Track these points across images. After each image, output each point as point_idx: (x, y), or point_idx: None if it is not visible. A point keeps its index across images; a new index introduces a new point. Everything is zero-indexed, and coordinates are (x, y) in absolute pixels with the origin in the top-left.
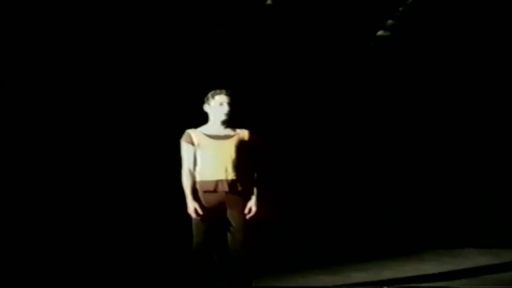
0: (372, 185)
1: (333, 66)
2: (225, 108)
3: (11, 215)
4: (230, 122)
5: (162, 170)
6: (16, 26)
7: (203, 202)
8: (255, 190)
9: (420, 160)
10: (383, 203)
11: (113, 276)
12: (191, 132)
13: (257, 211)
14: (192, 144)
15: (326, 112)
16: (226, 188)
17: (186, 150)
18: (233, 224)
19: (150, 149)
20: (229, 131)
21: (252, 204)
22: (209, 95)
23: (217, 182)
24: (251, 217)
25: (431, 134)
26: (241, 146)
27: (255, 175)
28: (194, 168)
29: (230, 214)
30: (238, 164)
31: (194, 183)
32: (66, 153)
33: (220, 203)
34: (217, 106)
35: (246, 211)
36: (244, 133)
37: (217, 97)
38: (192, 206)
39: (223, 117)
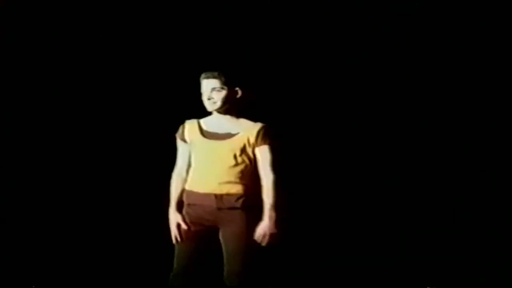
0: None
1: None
2: (206, 96)
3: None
4: (233, 113)
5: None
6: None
7: (187, 218)
8: (268, 207)
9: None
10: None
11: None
12: (186, 124)
13: (272, 236)
14: (185, 141)
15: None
16: (215, 204)
17: (179, 148)
18: (228, 249)
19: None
20: (232, 127)
21: (264, 227)
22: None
23: (204, 196)
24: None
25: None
26: (244, 149)
27: (269, 186)
28: (188, 172)
29: (223, 237)
30: (236, 174)
31: (183, 191)
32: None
33: (209, 222)
34: (203, 94)
35: (257, 236)
36: (252, 131)
37: (203, 82)
38: (173, 219)
39: (209, 109)
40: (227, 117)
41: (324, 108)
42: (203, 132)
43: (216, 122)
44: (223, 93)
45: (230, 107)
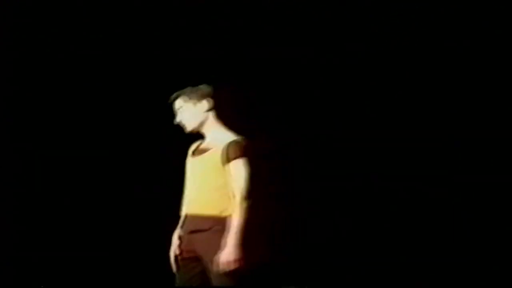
0: None
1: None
2: (178, 119)
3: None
4: (219, 127)
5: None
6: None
7: (182, 245)
8: (231, 230)
9: None
10: None
11: None
12: (192, 146)
13: (234, 263)
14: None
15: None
16: (189, 227)
17: None
18: (213, 280)
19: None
20: (212, 143)
21: (224, 254)
22: None
23: (184, 218)
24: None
25: None
26: (215, 166)
27: (236, 205)
28: None
29: (207, 266)
30: (208, 194)
31: None
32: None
33: (190, 246)
34: (176, 118)
35: (219, 265)
36: (222, 146)
37: (173, 107)
38: (172, 248)
39: (186, 131)
40: (214, 132)
41: (324, 108)
42: (193, 151)
43: (205, 140)
44: (188, 111)
45: (209, 122)
